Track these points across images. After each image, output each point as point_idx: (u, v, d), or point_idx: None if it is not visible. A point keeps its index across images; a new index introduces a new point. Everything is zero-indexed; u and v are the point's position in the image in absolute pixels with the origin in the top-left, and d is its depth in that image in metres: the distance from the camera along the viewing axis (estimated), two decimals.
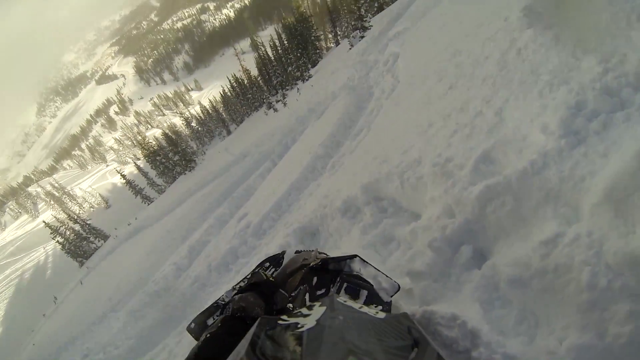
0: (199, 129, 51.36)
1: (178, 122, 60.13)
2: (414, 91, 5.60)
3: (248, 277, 2.81)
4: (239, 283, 2.72)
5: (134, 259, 11.64)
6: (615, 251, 1.69)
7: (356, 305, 1.00)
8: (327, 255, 2.40)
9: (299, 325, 0.81)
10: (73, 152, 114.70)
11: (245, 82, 38.54)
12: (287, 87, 32.50)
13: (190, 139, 50.69)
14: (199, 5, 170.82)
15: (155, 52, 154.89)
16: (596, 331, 1.66)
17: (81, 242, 32.50)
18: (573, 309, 1.79)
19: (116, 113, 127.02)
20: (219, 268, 6.15)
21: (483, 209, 2.51)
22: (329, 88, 12.16)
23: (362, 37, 19.01)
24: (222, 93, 45.26)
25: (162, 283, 7.53)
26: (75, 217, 34.48)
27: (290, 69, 32.21)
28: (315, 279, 2.00)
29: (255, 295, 1.38)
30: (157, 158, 32.83)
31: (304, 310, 0.94)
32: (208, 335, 1.23)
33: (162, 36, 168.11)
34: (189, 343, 4.69)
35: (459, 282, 2.48)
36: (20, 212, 72.21)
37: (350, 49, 18.57)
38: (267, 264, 3.08)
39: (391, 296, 2.04)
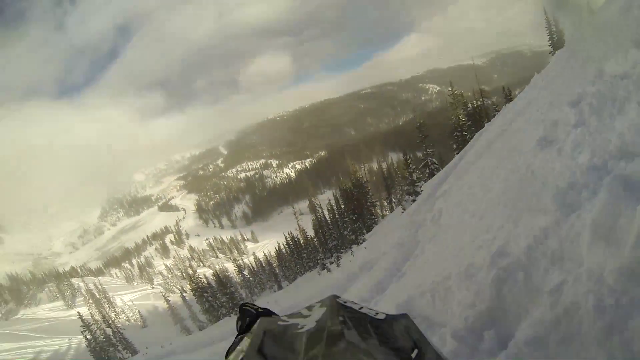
0: (251, 278, 50.82)
1: (230, 267, 59.16)
2: (451, 228, 6.41)
3: None
4: None
5: None
6: (612, 270, 1.78)
7: (356, 305, 0.95)
8: None
9: (299, 326, 0.81)
10: (123, 264, 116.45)
11: (301, 241, 39.00)
12: (341, 250, 32.96)
13: (241, 286, 49.61)
14: (262, 161, 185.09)
15: (217, 195, 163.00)
16: (623, 355, 1.62)
17: (109, 346, 31.65)
18: (594, 345, 1.74)
19: (171, 242, 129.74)
20: None
21: (500, 291, 2.68)
22: (380, 248, 12.91)
23: (414, 200, 20.02)
24: (277, 249, 45.60)
25: None
26: (110, 322, 34.57)
27: (345, 232, 33.03)
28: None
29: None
30: (205, 295, 33.24)
31: (304, 311, 0.93)
32: None
33: (225, 182, 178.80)
34: None
35: None
36: (57, 297, 72.11)
37: (402, 212, 19.61)
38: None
39: None
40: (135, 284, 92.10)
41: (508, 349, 2.27)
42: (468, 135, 24.25)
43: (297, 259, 40.22)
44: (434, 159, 26.14)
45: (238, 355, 0.77)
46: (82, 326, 30.81)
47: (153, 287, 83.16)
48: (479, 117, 26.76)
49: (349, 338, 0.70)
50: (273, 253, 49.22)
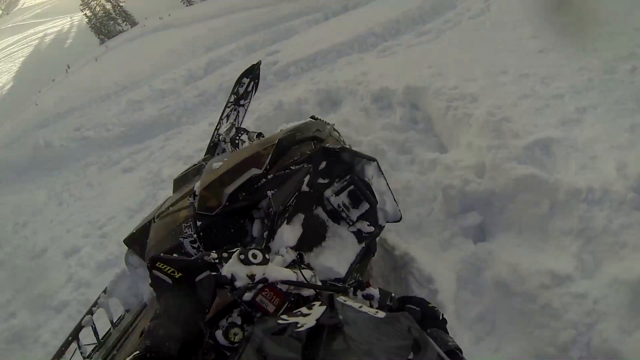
0: None
1: None
2: (501, 31, 4.71)
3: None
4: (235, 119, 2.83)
5: (152, 52, 10.97)
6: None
7: (356, 305, 0.94)
8: (344, 142, 2.08)
9: (299, 325, 0.80)
10: None
11: None
12: None
13: None
14: None
15: None
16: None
17: (108, 21, 31.38)
18: (531, 341, 1.86)
19: None
20: (228, 90, 5.56)
21: (515, 194, 2.37)
22: None
23: None
24: None
25: (170, 84, 7.08)
26: None
27: None
28: (324, 163, 1.69)
29: (165, 323, 0.86)
30: None
31: (304, 310, 0.91)
32: None
33: None
34: (173, 152, 4.43)
35: (450, 243, 2.42)
36: None
37: None
38: (245, 80, 2.91)
39: (387, 222, 1.81)
40: None
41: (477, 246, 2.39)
42: None
43: None
44: None
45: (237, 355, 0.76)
46: (81, 4, 30.09)
47: None
48: None
49: (349, 337, 0.71)
50: None
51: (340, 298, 0.95)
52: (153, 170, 4.69)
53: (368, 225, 1.69)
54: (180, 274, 0.91)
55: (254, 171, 1.57)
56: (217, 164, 1.65)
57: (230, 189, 1.52)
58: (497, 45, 4.35)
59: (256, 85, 3.02)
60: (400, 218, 1.86)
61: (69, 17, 43.48)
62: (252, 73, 2.94)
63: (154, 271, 0.92)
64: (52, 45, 38.71)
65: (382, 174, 1.83)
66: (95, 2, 30.98)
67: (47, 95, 12.51)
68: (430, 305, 1.34)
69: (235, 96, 2.95)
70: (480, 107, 3.19)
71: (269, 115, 4.53)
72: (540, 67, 3.60)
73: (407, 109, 3.81)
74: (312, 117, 2.25)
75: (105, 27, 30.81)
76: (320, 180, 1.65)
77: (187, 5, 32.70)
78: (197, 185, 1.58)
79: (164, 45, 11.46)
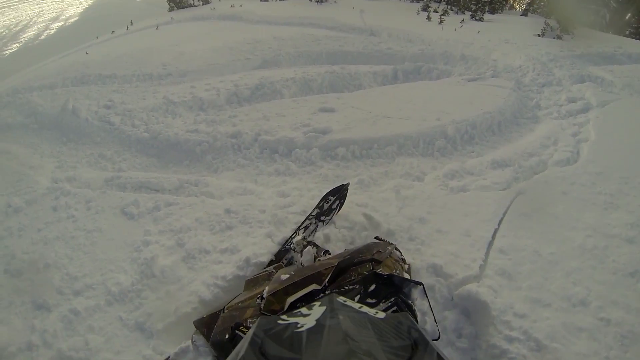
0: None
1: None
2: (587, 210, 3.80)
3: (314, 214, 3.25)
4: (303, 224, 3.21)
5: (210, 42, 10.65)
6: None
7: (356, 305, 0.96)
8: (404, 262, 2.27)
9: (299, 325, 0.81)
10: None
11: None
12: (453, 6, 27.95)
13: None
14: None
15: None
16: None
17: None
18: None
19: None
20: (264, 143, 5.21)
21: None
22: (500, 55, 9.74)
23: (559, 37, 15.17)
24: None
25: (213, 94, 6.63)
26: None
27: None
28: (373, 286, 1.89)
29: None
30: None
31: (304, 310, 0.94)
32: None
33: None
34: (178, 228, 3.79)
35: None
36: None
37: (540, 35, 15.03)
38: (331, 198, 3.28)
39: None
40: None
41: None
42: None
43: None
44: None
45: (237, 355, 0.77)
46: None
47: None
48: None
49: (349, 337, 0.71)
50: None
51: (340, 298, 0.95)
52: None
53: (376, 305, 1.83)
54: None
55: (314, 286, 1.83)
56: (285, 276, 1.94)
57: (292, 298, 1.76)
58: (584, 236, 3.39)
59: (341, 204, 3.37)
60: (439, 337, 2.04)
61: None
62: (340, 193, 3.31)
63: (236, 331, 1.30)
64: None
65: (427, 296, 2.03)
66: None
67: (100, 48, 12.46)
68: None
69: (318, 210, 3.27)
70: None
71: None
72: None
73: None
74: (376, 238, 2.51)
75: None
76: (369, 300, 1.80)
77: (262, 0, 33.33)
78: (266, 290, 1.86)
79: (224, 38, 11.26)
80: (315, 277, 1.89)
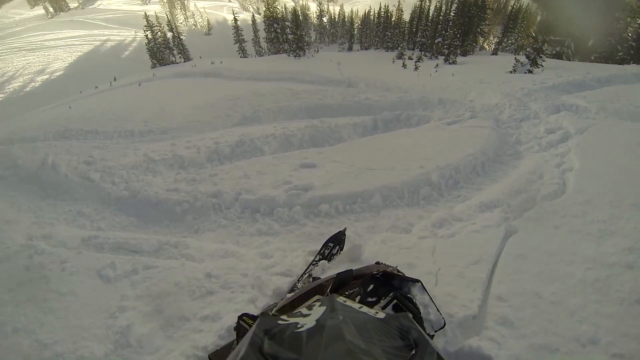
0: (327, 26, 51.71)
1: (313, 7, 60.24)
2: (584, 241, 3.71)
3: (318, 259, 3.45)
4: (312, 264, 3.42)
5: (191, 100, 10.90)
6: None
7: (356, 305, 0.98)
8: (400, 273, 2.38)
9: (299, 325, 0.81)
10: None
11: (393, 19, 38.79)
12: (427, 52, 30.72)
13: (315, 29, 51.48)
14: None
15: None
16: None
17: (165, 49, 33.21)
18: None
19: None
20: (246, 203, 5.17)
21: None
22: (476, 95, 10.08)
23: (530, 71, 16.29)
24: (366, 12, 44.35)
25: (193, 152, 6.69)
26: (173, 27, 34.76)
27: (438, 40, 30.10)
28: (372, 286, 2.04)
29: None
30: (275, 26, 32.42)
31: (304, 310, 0.94)
32: None
33: None
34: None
35: None
36: None
37: (511, 71, 16.25)
38: (331, 244, 3.55)
39: (435, 331, 2.05)
40: None
41: None
42: None
43: (379, 32, 40.06)
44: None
45: (237, 355, 0.77)
46: (145, 26, 31.48)
47: (230, 0, 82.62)
48: None
49: (349, 337, 0.72)
50: (360, 14, 48.83)
51: (340, 299, 0.97)
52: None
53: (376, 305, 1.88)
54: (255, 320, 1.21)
55: (317, 297, 1.87)
56: (290, 295, 2.17)
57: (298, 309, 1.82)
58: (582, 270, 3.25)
59: (341, 249, 3.59)
60: (445, 324, 2.10)
61: (134, 31, 46.66)
62: (338, 238, 3.61)
63: (240, 321, 1.30)
64: (110, 52, 41.05)
65: (426, 291, 2.12)
66: (158, 28, 32.78)
67: (84, 102, 12.61)
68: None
69: (320, 257, 3.49)
70: None
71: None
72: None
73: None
74: (377, 262, 2.62)
75: (161, 53, 32.65)
76: (369, 299, 1.90)
77: (241, 57, 34.83)
78: (275, 308, 1.99)
79: (205, 95, 11.56)
80: (318, 290, 2.04)
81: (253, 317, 1.81)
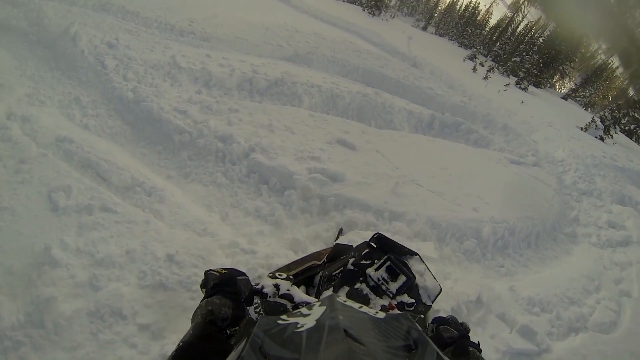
0: None
1: None
2: None
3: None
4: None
5: (249, 16, 9.66)
6: None
7: (356, 305, 0.94)
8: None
9: (299, 325, 0.80)
10: None
11: (478, 18, 38.25)
12: (500, 66, 28.36)
13: None
14: None
15: None
16: None
17: None
18: None
19: None
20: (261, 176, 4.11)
21: None
22: (542, 138, 9.16)
23: (602, 138, 15.09)
24: (453, 1, 43.02)
25: (223, 76, 5.71)
26: None
27: (516, 59, 28.71)
28: (366, 250, 1.99)
29: (220, 297, 1.13)
30: None
31: (304, 310, 0.92)
32: (180, 344, 1.02)
33: None
34: None
35: None
36: None
37: (583, 129, 15.12)
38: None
39: (432, 300, 1.98)
40: None
41: None
42: None
43: (460, 25, 38.51)
44: None
45: (237, 355, 0.75)
46: None
47: None
48: None
49: (349, 337, 0.70)
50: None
51: (340, 298, 0.93)
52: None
53: (408, 297, 1.80)
54: (225, 271, 1.25)
55: (314, 262, 2.10)
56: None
57: (294, 272, 1.99)
58: None
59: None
60: (440, 290, 2.02)
61: None
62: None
63: (207, 271, 1.27)
64: None
65: (423, 262, 2.05)
66: None
67: None
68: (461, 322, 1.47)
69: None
70: None
71: None
72: None
73: None
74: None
75: None
76: (363, 262, 1.88)
77: None
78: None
79: (264, 14, 10.43)
80: (315, 256, 2.19)
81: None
